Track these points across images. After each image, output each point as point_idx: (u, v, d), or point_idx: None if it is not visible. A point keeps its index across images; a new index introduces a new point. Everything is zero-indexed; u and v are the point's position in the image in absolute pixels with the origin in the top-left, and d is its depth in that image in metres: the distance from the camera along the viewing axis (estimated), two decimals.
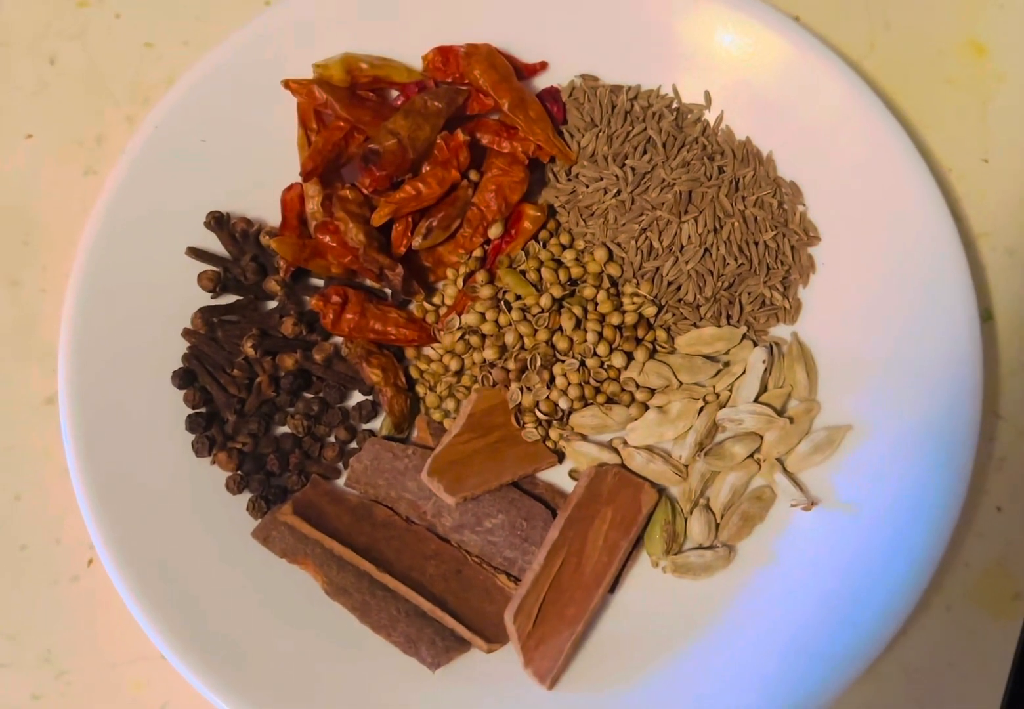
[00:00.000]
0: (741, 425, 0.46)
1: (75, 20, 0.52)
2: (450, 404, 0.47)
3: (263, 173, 0.48)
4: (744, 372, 0.47)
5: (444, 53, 0.49)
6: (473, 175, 0.48)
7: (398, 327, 0.47)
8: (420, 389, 0.48)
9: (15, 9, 0.52)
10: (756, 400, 0.47)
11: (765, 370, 0.47)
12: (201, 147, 0.48)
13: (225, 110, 0.48)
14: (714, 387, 0.47)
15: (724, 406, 0.47)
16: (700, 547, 0.46)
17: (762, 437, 0.47)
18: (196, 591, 0.44)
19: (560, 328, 0.47)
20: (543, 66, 0.51)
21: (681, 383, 0.47)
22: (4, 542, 0.47)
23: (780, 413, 0.47)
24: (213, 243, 0.47)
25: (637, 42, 0.51)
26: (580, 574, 0.45)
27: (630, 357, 0.47)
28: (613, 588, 0.46)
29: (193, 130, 0.48)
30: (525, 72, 0.50)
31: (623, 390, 0.47)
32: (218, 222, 0.47)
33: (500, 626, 0.44)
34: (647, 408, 0.47)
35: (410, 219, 0.47)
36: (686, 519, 0.47)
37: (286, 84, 0.48)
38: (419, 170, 0.48)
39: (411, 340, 0.47)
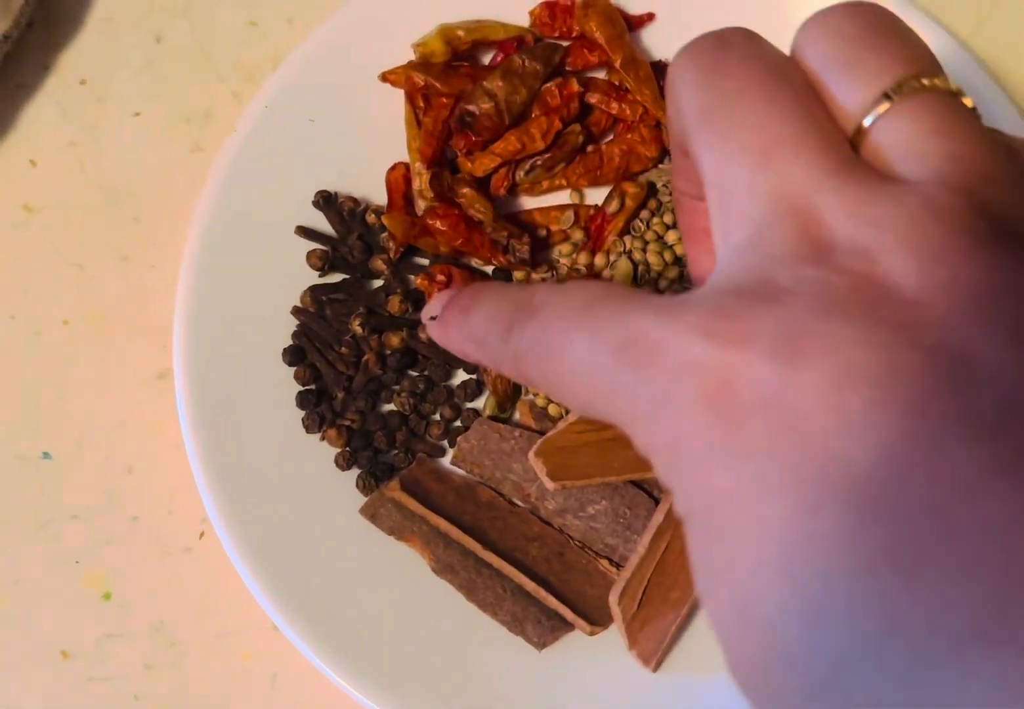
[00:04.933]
0: None
1: None
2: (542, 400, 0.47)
3: (369, 151, 0.49)
4: None
5: (551, 7, 0.49)
6: (575, 128, 0.48)
7: None
8: None
9: None
10: None
11: None
12: (309, 127, 0.48)
13: (332, 89, 0.48)
14: None
15: None
16: None
17: None
18: (306, 563, 0.44)
19: None
20: (650, 17, 0.50)
21: None
22: (117, 514, 0.47)
23: None
24: (319, 222, 0.48)
25: (739, 19, 0.50)
26: (684, 558, 0.44)
27: None
28: None
29: (301, 110, 0.48)
30: (633, 23, 0.50)
31: None
32: (326, 201, 0.48)
33: (602, 609, 0.45)
34: None
35: (510, 168, 0.48)
36: None
37: (383, 77, 0.48)
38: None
39: None
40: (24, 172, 0.51)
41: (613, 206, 0.48)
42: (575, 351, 0.22)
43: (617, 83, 0.49)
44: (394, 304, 0.47)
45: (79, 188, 0.50)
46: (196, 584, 0.47)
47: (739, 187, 0.21)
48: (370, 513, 0.45)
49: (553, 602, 0.44)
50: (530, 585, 0.45)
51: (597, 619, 0.45)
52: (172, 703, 0.46)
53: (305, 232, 0.47)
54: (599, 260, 0.48)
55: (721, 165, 0.22)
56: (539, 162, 0.47)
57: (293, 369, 0.46)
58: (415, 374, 0.48)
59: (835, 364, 0.18)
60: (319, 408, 0.46)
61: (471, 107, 0.46)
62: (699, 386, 0.19)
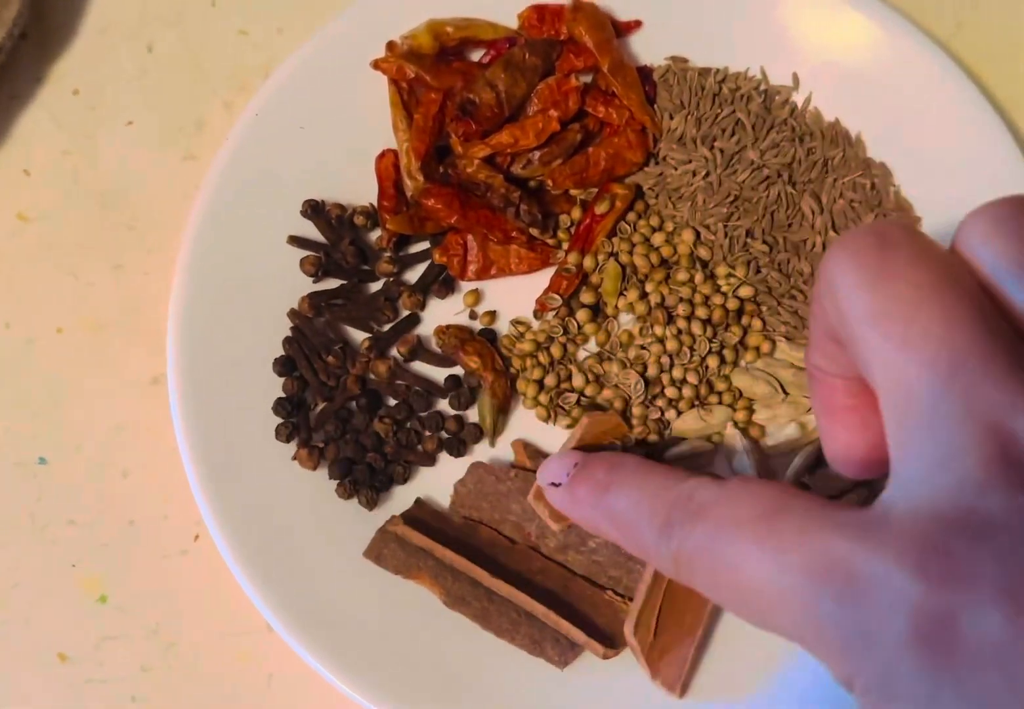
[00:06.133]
0: None
1: (171, 8, 0.53)
2: (544, 399, 0.48)
3: (359, 153, 0.49)
4: None
5: (539, 11, 0.50)
6: (574, 126, 0.49)
7: (520, 258, 0.48)
8: (516, 371, 0.48)
9: None
10: None
11: None
12: (300, 133, 0.49)
13: (322, 97, 0.49)
14: None
15: None
16: None
17: None
18: (301, 563, 0.45)
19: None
20: (637, 24, 0.51)
21: (787, 394, 0.47)
22: (113, 518, 0.48)
23: None
24: (312, 228, 0.48)
25: (725, 25, 0.51)
26: None
27: (723, 359, 0.48)
28: None
29: (292, 117, 0.49)
30: (621, 29, 0.51)
31: (728, 390, 0.47)
32: (314, 210, 0.48)
33: (612, 638, 0.44)
34: (751, 410, 0.47)
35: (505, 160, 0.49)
36: None
37: (375, 65, 0.48)
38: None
39: (533, 267, 0.49)
40: (18, 181, 0.51)
41: (603, 207, 0.48)
42: (756, 568, 0.21)
43: (604, 87, 0.50)
44: (406, 302, 0.48)
45: (73, 197, 0.51)
46: (192, 586, 0.47)
47: (923, 399, 0.20)
48: (374, 555, 0.45)
49: (565, 626, 0.44)
50: (540, 609, 0.44)
51: (609, 646, 0.44)
52: (169, 704, 0.46)
53: (298, 241, 0.48)
54: (588, 262, 0.48)
55: (899, 373, 0.21)
56: (536, 157, 0.48)
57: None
58: (396, 402, 0.48)
59: None
60: (294, 418, 0.47)
61: (472, 96, 0.47)
62: (915, 627, 0.18)
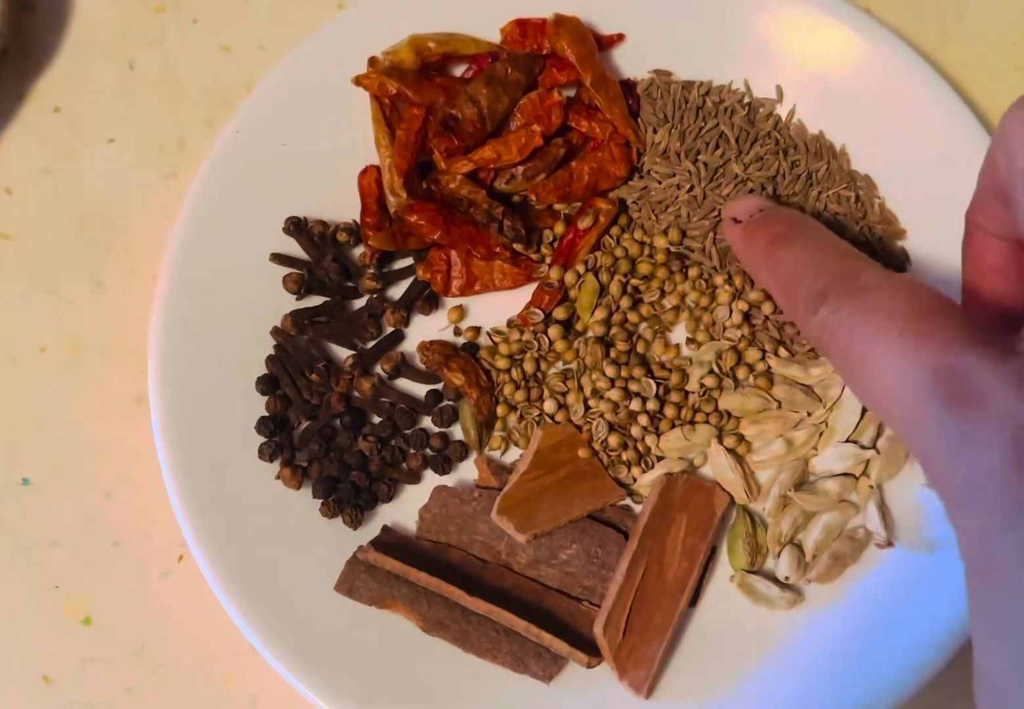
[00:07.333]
0: (833, 471, 0.47)
1: (153, 25, 0.53)
2: (513, 422, 0.48)
3: (340, 169, 0.49)
4: (840, 396, 0.47)
5: (522, 25, 0.50)
6: (558, 141, 0.49)
7: (503, 273, 0.48)
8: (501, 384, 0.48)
9: (93, 15, 0.53)
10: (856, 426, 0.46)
11: None
12: (281, 150, 0.48)
13: (303, 113, 0.49)
14: (809, 413, 0.47)
15: (818, 439, 0.47)
16: (775, 581, 0.46)
17: (857, 477, 0.46)
18: (283, 584, 0.45)
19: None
20: (620, 38, 0.51)
21: (780, 406, 0.47)
22: (96, 538, 0.48)
23: (879, 432, 0.47)
24: (295, 245, 0.48)
25: (708, 37, 0.51)
26: (663, 581, 0.45)
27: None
28: (694, 601, 0.46)
29: (273, 134, 0.48)
30: (604, 43, 0.51)
31: (715, 411, 0.47)
32: (297, 227, 0.48)
33: (591, 647, 0.44)
34: (739, 436, 0.47)
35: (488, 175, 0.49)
36: (767, 528, 0.46)
37: (357, 81, 0.48)
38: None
39: (517, 282, 0.48)
40: (0, 200, 0.51)
41: (586, 222, 0.48)
42: (888, 355, 0.23)
43: (587, 102, 0.50)
44: (390, 318, 0.47)
45: (55, 215, 0.51)
46: (177, 607, 0.47)
47: None
48: (346, 588, 0.45)
49: (547, 638, 0.44)
50: (521, 624, 0.44)
51: (593, 654, 0.44)
52: None
53: (280, 258, 0.48)
54: (569, 277, 0.48)
55: None
56: (519, 172, 0.48)
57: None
58: (380, 420, 0.47)
59: None
60: (277, 437, 0.46)
61: (454, 112, 0.47)
62: (1015, 442, 0.20)
